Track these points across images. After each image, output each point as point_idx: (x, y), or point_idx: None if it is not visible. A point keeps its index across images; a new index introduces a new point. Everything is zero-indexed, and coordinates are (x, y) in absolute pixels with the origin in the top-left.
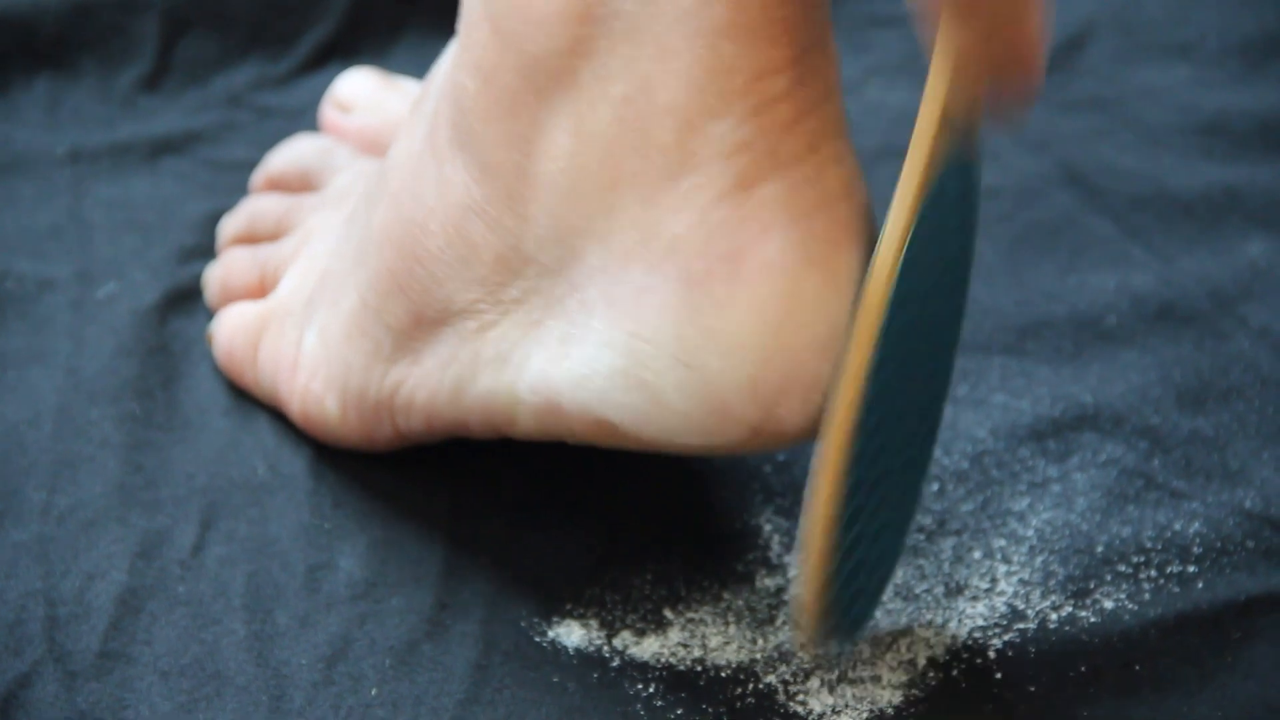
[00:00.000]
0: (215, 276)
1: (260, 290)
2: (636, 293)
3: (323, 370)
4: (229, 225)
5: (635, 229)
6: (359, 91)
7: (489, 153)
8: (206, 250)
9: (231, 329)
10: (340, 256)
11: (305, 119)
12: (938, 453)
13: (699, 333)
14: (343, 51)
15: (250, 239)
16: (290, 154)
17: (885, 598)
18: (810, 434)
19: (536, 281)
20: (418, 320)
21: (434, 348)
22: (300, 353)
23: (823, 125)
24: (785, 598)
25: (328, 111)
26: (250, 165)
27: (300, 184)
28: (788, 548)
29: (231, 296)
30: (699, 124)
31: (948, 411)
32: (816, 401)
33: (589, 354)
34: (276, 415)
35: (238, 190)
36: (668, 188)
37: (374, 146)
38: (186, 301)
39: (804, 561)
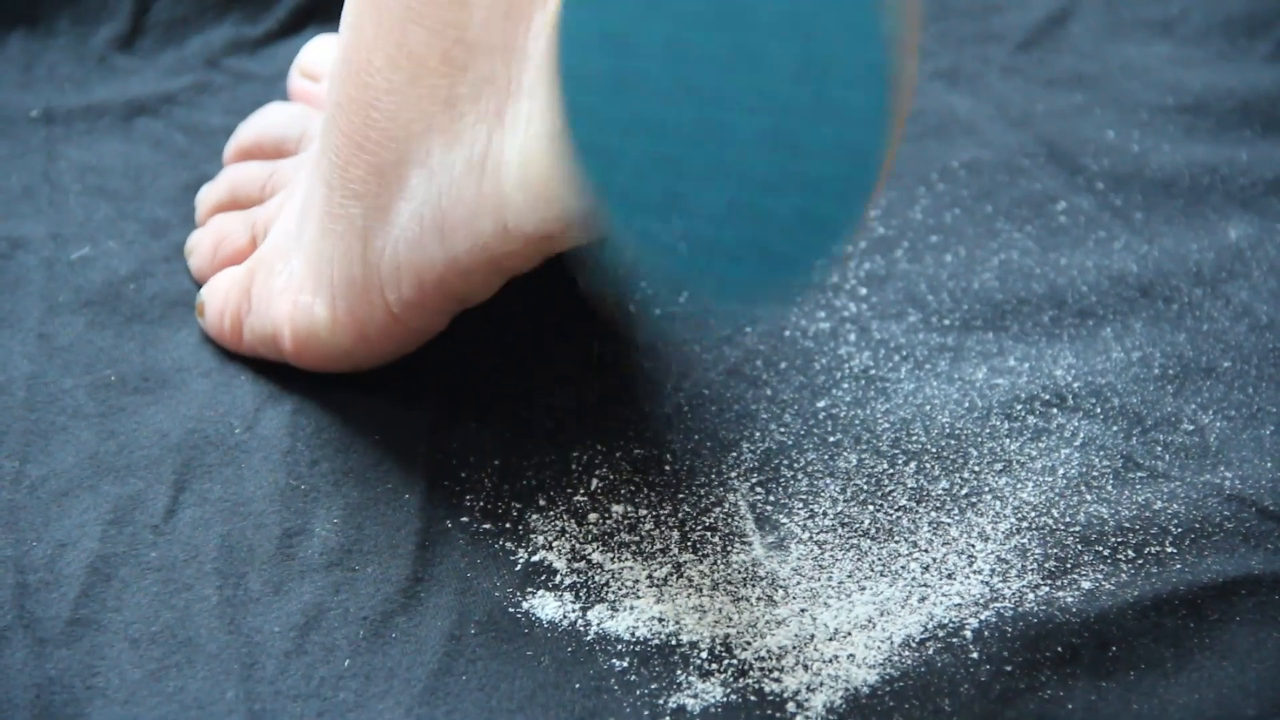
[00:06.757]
0: (205, 242)
1: (252, 251)
2: None
3: (309, 278)
4: (211, 193)
5: None
6: (325, 58)
7: None
8: (180, 217)
9: (225, 289)
10: (308, 180)
11: (281, 83)
12: (916, 429)
13: None
14: (319, 15)
15: (234, 206)
16: (262, 122)
17: (863, 573)
18: None
19: (488, 68)
20: (381, 173)
21: (405, 196)
22: (288, 277)
23: None
24: (760, 574)
25: (295, 79)
26: (225, 130)
27: (275, 152)
28: (762, 525)
29: (223, 261)
30: None
31: (925, 387)
32: None
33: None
34: (254, 376)
35: (212, 156)
36: None
37: None
38: (161, 267)
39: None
